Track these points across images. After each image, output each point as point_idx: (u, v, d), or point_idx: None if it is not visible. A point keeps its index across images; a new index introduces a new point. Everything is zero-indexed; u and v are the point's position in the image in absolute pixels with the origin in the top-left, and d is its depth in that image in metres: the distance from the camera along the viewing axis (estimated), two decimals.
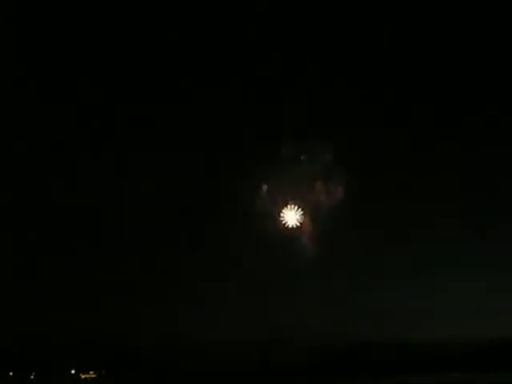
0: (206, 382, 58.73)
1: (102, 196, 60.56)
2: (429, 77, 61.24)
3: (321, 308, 60.43)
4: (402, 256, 61.59)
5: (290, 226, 60.26)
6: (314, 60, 60.66)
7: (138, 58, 60.11)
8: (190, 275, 61.32)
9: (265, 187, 59.65)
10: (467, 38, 60.21)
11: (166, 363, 60.68)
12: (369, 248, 62.05)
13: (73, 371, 61.03)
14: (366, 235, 61.58)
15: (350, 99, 60.46)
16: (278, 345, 60.98)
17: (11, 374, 59.58)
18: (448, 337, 59.32)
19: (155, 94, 61.31)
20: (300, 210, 60.30)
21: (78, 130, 61.24)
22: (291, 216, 60.30)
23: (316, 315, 60.63)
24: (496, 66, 60.68)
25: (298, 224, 60.34)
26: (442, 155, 62.36)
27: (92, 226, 62.50)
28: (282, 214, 60.15)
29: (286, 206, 60.28)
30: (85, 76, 59.80)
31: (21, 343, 58.36)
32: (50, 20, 57.68)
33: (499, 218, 62.20)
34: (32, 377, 59.96)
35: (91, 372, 61.18)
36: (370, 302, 61.08)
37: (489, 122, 61.87)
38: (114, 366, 61.34)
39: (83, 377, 61.09)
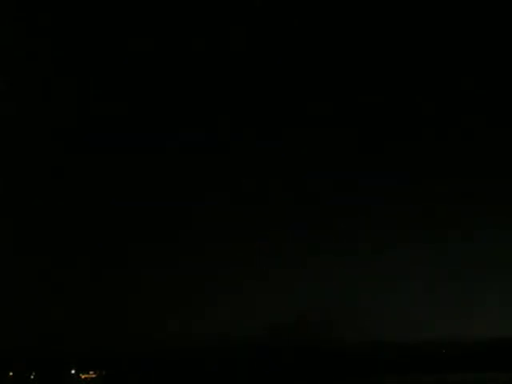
0: (205, 382, 58.65)
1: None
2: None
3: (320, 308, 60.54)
4: (402, 255, 61.66)
5: None
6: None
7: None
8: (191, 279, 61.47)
9: None
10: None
11: (166, 364, 60.62)
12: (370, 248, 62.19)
13: (73, 371, 60.92)
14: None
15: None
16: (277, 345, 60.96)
17: (11, 373, 59.49)
18: (448, 337, 59.30)
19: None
20: None
21: None
22: None
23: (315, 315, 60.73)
24: None
25: None
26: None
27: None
28: None
29: None
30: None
31: (21, 343, 58.30)
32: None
33: None
34: (32, 377, 59.83)
35: (91, 372, 61.07)
36: (370, 301, 61.16)
37: None
38: (114, 366, 61.26)
39: (83, 377, 60.97)
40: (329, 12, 59.26)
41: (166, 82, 62.36)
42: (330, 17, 59.68)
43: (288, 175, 64.66)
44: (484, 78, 61.33)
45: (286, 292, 61.13)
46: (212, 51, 60.14)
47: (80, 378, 60.73)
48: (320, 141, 63.63)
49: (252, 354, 59.88)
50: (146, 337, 59.76)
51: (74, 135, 62.59)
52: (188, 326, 60.61)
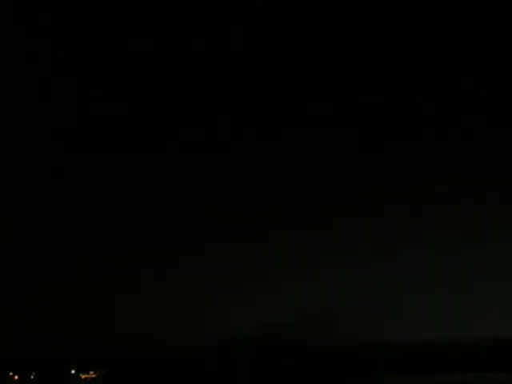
0: (205, 382, 58.71)
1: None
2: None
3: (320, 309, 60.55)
4: (402, 255, 61.66)
5: None
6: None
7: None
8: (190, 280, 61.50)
9: None
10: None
11: (166, 364, 60.65)
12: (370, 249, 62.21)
13: (73, 371, 60.91)
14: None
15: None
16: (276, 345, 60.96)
17: (11, 373, 59.50)
18: (448, 337, 59.29)
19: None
20: None
21: None
22: None
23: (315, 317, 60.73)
24: None
25: None
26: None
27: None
28: None
29: None
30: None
31: (21, 343, 58.31)
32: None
33: None
34: (32, 377, 59.84)
35: (91, 372, 61.06)
36: (370, 301, 61.15)
37: None
38: (113, 366, 61.26)
39: (83, 377, 60.97)
40: (329, 12, 59.30)
41: (166, 82, 62.45)
42: (330, 17, 59.73)
43: (288, 175, 64.71)
44: (484, 78, 61.38)
45: (286, 292, 61.18)
46: (212, 51, 60.21)
47: (80, 377, 60.72)
48: (320, 141, 63.68)
49: (252, 354, 59.88)
50: (146, 337, 59.77)
51: (74, 135, 62.67)
52: (188, 326, 60.64)
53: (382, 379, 58.05)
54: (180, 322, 60.93)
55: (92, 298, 60.58)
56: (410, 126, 62.77)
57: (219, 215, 63.03)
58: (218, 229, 63.61)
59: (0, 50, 56.41)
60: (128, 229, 64.08)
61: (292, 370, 58.72)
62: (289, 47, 59.95)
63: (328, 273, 61.74)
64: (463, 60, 61.14)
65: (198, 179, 64.19)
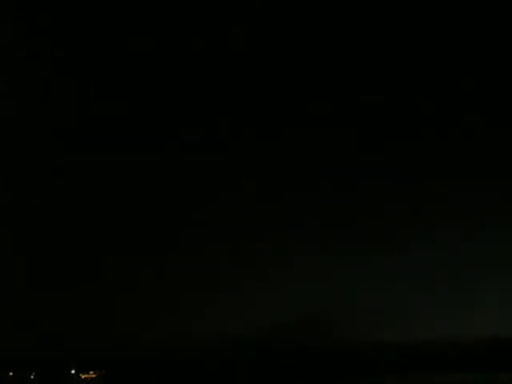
0: (205, 382, 58.70)
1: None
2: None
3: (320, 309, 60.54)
4: (402, 255, 61.67)
5: None
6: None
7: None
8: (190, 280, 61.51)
9: None
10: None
11: (166, 364, 60.66)
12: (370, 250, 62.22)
13: (73, 371, 60.90)
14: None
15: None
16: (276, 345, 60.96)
17: (11, 373, 59.47)
18: (448, 337, 59.29)
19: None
20: None
21: None
22: None
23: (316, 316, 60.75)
24: None
25: None
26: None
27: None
28: None
29: None
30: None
31: (21, 343, 58.30)
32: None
33: None
34: (32, 377, 59.82)
35: (91, 372, 61.05)
36: (370, 301, 61.13)
37: None
38: (113, 366, 61.25)
39: (83, 377, 60.96)
40: (329, 12, 59.30)
41: (166, 82, 62.46)
42: (330, 17, 59.73)
43: (288, 175, 64.73)
44: (484, 77, 61.39)
45: (286, 292, 61.18)
46: (212, 51, 60.21)
47: (80, 377, 60.71)
48: (320, 141, 63.70)
49: (252, 354, 59.87)
50: (145, 337, 59.80)
51: (74, 135, 62.69)
52: (188, 326, 60.65)
53: (382, 379, 58.04)
54: (180, 322, 60.96)
55: (92, 297, 60.62)
56: (410, 126, 62.86)
57: (219, 215, 63.08)
58: (218, 229, 63.66)
59: (0, 50, 56.44)
60: (128, 229, 64.13)
61: (292, 370, 58.71)
62: (289, 47, 60.02)
63: (328, 273, 61.78)
64: (463, 60, 61.19)
65: (198, 179, 64.24)
